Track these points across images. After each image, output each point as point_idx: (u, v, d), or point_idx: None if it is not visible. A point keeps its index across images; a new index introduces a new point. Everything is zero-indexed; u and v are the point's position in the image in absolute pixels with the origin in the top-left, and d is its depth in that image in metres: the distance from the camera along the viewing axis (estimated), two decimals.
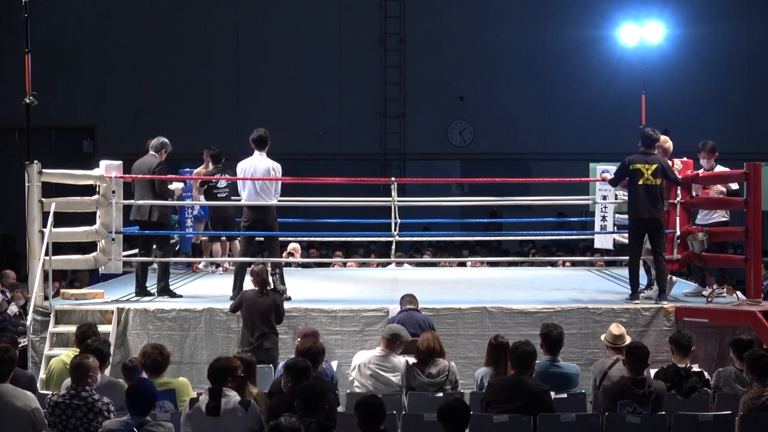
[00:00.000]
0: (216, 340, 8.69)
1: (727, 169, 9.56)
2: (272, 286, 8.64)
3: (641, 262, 9.30)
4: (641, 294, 9.19)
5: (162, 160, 9.53)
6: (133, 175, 9.45)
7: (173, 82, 19.93)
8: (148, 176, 9.32)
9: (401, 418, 6.60)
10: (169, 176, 9.68)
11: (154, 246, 9.66)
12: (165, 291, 9.42)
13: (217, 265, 11.86)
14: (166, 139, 9.64)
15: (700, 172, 9.56)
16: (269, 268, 8.86)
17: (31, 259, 8.76)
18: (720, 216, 9.55)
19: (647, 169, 8.84)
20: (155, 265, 9.77)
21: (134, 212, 9.50)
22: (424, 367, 7.31)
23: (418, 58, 20.20)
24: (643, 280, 9.42)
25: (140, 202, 9.39)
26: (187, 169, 12.08)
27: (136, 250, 10.66)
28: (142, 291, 9.52)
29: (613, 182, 9.46)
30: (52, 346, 8.42)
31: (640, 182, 8.83)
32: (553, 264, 13.37)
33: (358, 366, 7.42)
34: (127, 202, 9.39)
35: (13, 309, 10.08)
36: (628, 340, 7.45)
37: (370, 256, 15.04)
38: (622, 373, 6.81)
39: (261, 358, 7.91)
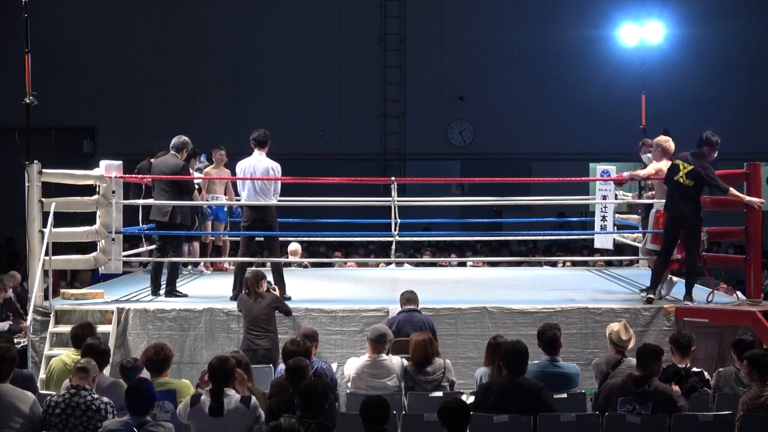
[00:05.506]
0: (216, 340, 8.67)
1: None
2: (267, 290, 8.56)
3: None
4: (642, 293, 9.18)
5: (184, 159, 9.52)
6: (154, 176, 9.48)
7: (173, 82, 19.92)
8: (167, 176, 9.30)
9: (401, 418, 6.59)
10: (189, 176, 9.59)
11: (168, 248, 9.56)
12: (171, 294, 9.41)
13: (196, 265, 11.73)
14: (187, 138, 9.59)
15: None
16: (271, 280, 8.81)
17: (31, 259, 8.75)
18: None
19: (684, 167, 8.68)
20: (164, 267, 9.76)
21: (154, 212, 9.47)
22: (419, 366, 7.32)
23: (418, 58, 20.20)
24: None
25: (158, 202, 9.38)
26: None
27: (142, 249, 10.66)
28: (157, 290, 9.50)
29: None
30: (52, 346, 8.41)
31: (675, 178, 8.69)
32: (553, 264, 13.36)
33: (351, 378, 7.41)
34: (127, 202, 9.38)
35: (3, 326, 9.96)
36: (632, 343, 7.43)
37: (369, 256, 15.03)
38: (630, 371, 6.76)
39: (260, 359, 7.91)
